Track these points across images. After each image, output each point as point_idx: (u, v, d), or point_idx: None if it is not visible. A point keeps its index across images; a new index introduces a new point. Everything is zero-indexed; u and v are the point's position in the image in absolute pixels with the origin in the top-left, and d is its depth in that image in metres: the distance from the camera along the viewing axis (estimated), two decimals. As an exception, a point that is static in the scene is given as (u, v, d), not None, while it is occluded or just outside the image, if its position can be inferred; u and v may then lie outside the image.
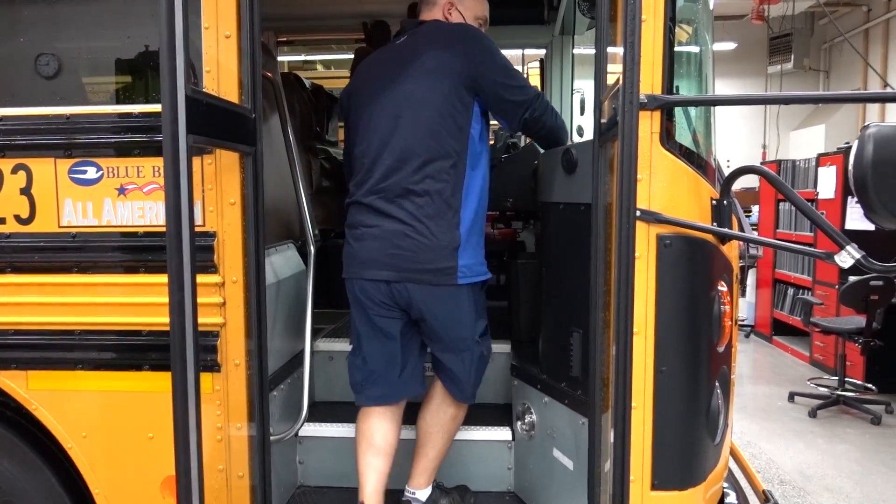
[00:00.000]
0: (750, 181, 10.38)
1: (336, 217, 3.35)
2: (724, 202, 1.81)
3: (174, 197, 1.44)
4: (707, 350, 1.81)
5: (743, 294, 8.45)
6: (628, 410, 1.70)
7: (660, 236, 1.73)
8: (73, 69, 2.17)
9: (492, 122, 2.35)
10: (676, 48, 1.80)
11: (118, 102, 2.22)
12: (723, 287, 1.86)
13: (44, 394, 2.02)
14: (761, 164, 8.57)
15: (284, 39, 4.88)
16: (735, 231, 1.88)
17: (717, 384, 1.85)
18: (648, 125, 1.68)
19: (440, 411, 2.33)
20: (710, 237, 1.78)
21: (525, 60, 4.94)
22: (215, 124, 1.67)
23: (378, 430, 2.30)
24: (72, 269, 1.98)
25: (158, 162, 1.94)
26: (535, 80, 4.79)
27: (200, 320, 1.80)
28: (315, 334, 3.03)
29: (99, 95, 2.29)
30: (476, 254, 2.23)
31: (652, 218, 1.72)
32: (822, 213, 6.36)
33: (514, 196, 2.87)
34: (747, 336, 8.17)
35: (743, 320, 8.32)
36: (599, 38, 1.74)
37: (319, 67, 6.62)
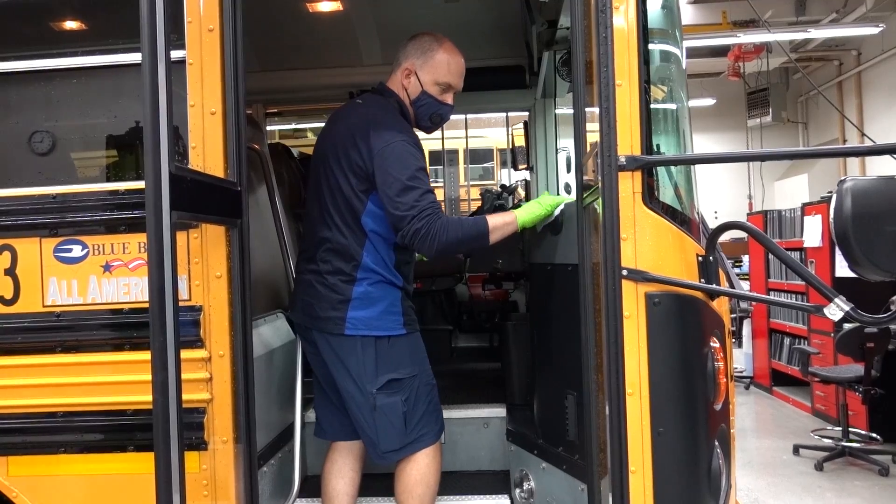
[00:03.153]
0: (739, 231, 10.51)
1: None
2: (710, 258, 1.82)
3: (157, 275, 1.43)
4: (704, 409, 1.78)
5: (739, 345, 8.39)
6: (626, 475, 1.66)
7: (648, 295, 1.72)
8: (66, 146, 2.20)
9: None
10: (654, 107, 1.84)
11: (107, 179, 2.24)
12: (715, 343, 1.84)
13: (25, 480, 1.96)
14: (748, 214, 8.69)
15: (274, 111, 4.97)
16: (723, 287, 1.88)
17: (716, 443, 1.81)
18: (630, 185, 1.70)
19: (402, 476, 2.24)
20: (698, 294, 1.77)
21: (509, 122, 5.04)
22: (200, 199, 1.68)
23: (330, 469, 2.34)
24: (56, 348, 1.96)
25: (144, 238, 1.93)
26: (519, 141, 4.88)
27: (186, 396, 1.76)
28: (307, 404, 2.98)
29: (89, 171, 2.31)
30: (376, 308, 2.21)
31: (639, 277, 1.72)
32: (812, 263, 6.39)
33: (503, 257, 2.88)
34: (747, 388, 8.08)
35: (741, 372, 8.24)
36: (577, 101, 1.78)
37: (310, 135, 6.74)
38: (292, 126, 6.46)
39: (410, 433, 2.20)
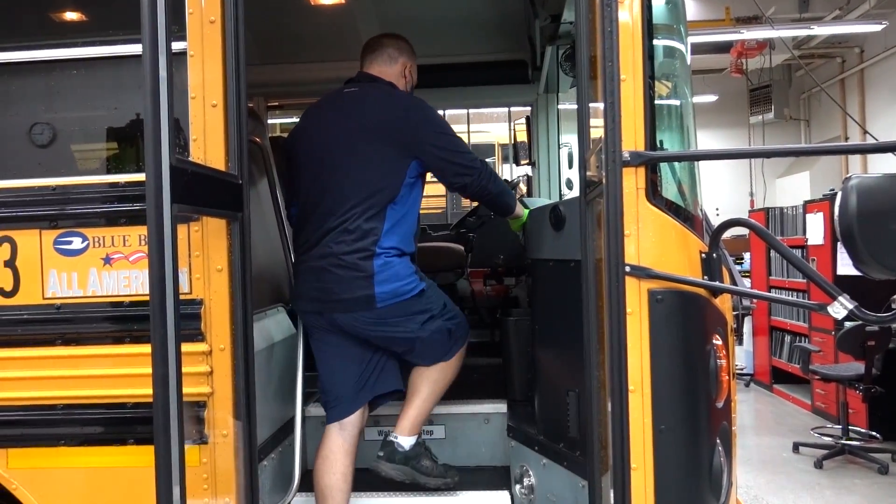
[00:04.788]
0: (740, 228, 10.47)
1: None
2: (714, 255, 1.81)
3: (158, 268, 1.42)
4: (706, 406, 1.77)
5: (740, 342, 8.38)
6: (628, 472, 1.65)
7: (651, 292, 1.72)
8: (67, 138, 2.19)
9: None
10: (658, 103, 1.83)
11: (108, 171, 2.23)
12: (717, 341, 1.83)
13: (24, 472, 1.95)
14: (750, 212, 8.68)
15: (275, 104, 4.96)
16: (726, 284, 1.87)
17: (718, 441, 1.81)
18: (633, 181, 1.69)
19: (426, 369, 2.47)
20: (701, 291, 1.76)
21: (512, 117, 5.03)
22: (201, 192, 1.67)
23: (322, 466, 2.40)
24: (56, 341, 1.95)
25: (145, 230, 1.92)
26: (522, 136, 4.87)
27: (187, 390, 1.76)
28: (308, 398, 2.97)
29: (89, 164, 2.30)
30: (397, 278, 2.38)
31: (642, 273, 1.71)
32: (813, 261, 6.38)
33: (505, 253, 2.88)
34: (747, 385, 8.08)
35: (742, 369, 8.24)
36: (581, 97, 1.77)
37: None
38: (293, 120, 6.44)
39: (455, 341, 2.51)
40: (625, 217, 1.68)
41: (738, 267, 9.15)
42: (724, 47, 10.05)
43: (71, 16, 2.32)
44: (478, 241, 3.10)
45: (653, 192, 1.74)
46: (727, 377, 1.88)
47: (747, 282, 8.45)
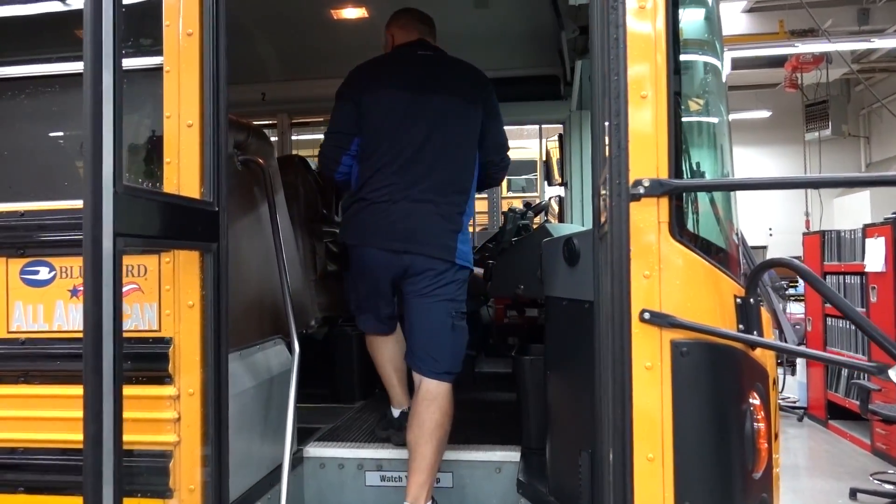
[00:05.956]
0: (793, 247, 9.94)
1: (343, 303, 3.16)
2: (751, 300, 1.54)
3: (94, 311, 1.24)
4: (741, 479, 1.50)
5: (793, 373, 7.89)
6: (643, 560, 1.40)
7: (675, 343, 1.47)
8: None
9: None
10: (686, 120, 1.59)
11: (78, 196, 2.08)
12: (755, 400, 1.56)
13: (-22, 523, 1.80)
14: (804, 234, 8.16)
15: (299, 121, 4.84)
16: (766, 339, 1.59)
17: (754, 520, 1.54)
18: (654, 214, 1.45)
19: (425, 418, 2.38)
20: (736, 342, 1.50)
21: (543, 135, 4.79)
22: (163, 221, 1.50)
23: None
24: (18, 379, 1.80)
25: (115, 260, 1.77)
26: (555, 154, 4.62)
27: (151, 438, 1.59)
28: (308, 436, 2.78)
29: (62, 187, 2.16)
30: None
31: (664, 322, 1.46)
32: (873, 289, 5.92)
33: (525, 283, 2.64)
34: (800, 419, 7.56)
35: (794, 402, 7.73)
36: (595, 115, 1.53)
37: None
38: (317, 136, 6.34)
39: (459, 361, 2.51)
40: (643, 255, 1.44)
41: (791, 291, 8.66)
42: (777, 61, 9.64)
43: (48, 35, 2.20)
44: (497, 269, 2.87)
45: (678, 226, 1.49)
46: (767, 445, 1.60)
47: (800, 308, 7.97)
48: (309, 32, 4.02)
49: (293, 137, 4.79)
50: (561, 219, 4.31)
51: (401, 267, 2.45)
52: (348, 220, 2.58)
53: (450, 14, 3.75)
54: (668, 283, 1.47)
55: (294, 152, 4.53)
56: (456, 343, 2.48)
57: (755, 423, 1.53)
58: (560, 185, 4.37)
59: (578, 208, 4.17)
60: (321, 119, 4.93)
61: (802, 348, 2.20)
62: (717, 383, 1.51)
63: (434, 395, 2.40)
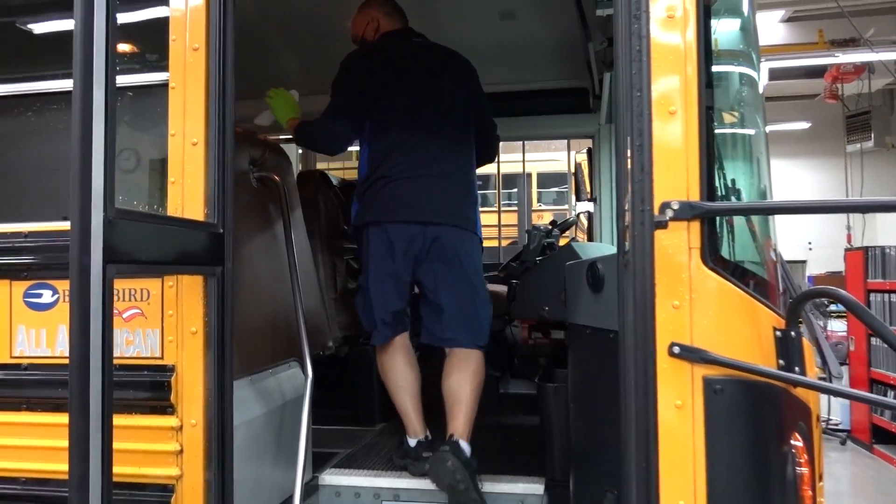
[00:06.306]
0: (834, 262, 9.56)
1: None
2: (792, 333, 1.41)
3: (80, 343, 1.17)
4: (781, 529, 1.37)
5: (835, 394, 7.56)
6: None
7: (707, 380, 1.35)
8: None
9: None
10: (720, 131, 1.47)
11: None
12: (798, 441, 1.43)
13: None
14: (847, 249, 7.85)
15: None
16: (811, 379, 1.45)
17: (797, 576, 1.39)
18: (684, 239, 1.33)
19: (476, 363, 2.54)
20: (775, 379, 1.37)
21: (571, 149, 4.67)
22: (162, 245, 1.43)
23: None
24: (21, 406, 1.74)
25: (119, 284, 1.71)
26: (585, 168, 4.49)
27: (151, 471, 1.51)
28: (325, 461, 2.69)
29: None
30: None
31: (695, 356, 1.34)
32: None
33: (550, 305, 2.52)
34: (843, 443, 7.24)
35: (837, 424, 7.41)
36: (619, 132, 1.42)
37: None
38: (355, 148, 6.29)
39: (487, 332, 2.60)
40: (673, 284, 1.33)
41: (832, 307, 8.32)
42: (817, 72, 9.36)
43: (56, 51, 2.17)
44: (521, 289, 2.76)
45: (710, 251, 1.37)
46: (810, 489, 1.46)
47: (842, 325, 7.65)
48: (333, 46, 3.97)
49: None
50: (590, 236, 4.17)
51: (428, 239, 2.49)
52: (370, 200, 2.56)
53: (476, 26, 3.67)
54: (700, 313, 1.35)
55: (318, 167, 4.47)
56: (484, 313, 2.58)
57: (797, 468, 1.40)
58: (589, 200, 4.23)
59: (608, 225, 4.04)
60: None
61: (855, 391, 2.02)
62: (755, 424, 1.38)
63: (467, 356, 2.53)
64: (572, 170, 4.61)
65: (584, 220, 4.56)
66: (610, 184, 4.02)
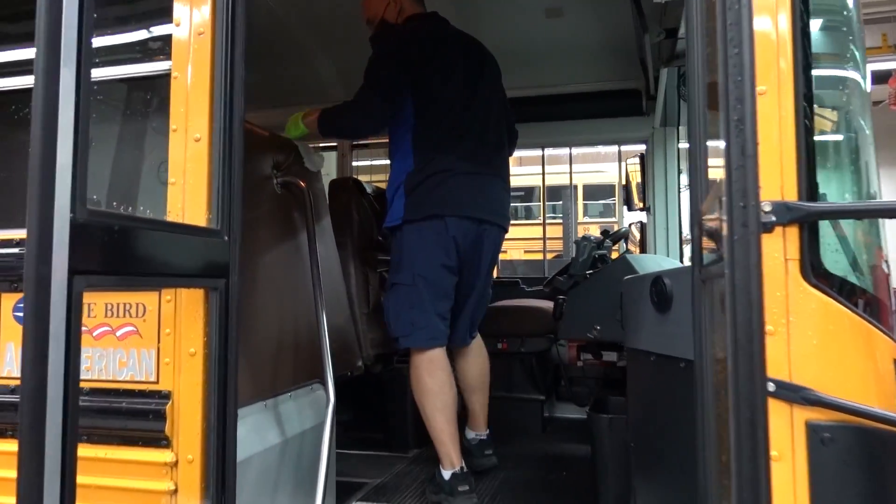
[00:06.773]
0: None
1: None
2: (918, 367, 1.12)
3: (34, 367, 0.96)
4: None
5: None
6: None
7: (812, 426, 1.07)
8: None
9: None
10: (821, 128, 1.20)
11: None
12: (925, 503, 1.13)
13: None
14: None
15: (361, 143, 4.62)
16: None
17: None
18: (780, 249, 1.06)
19: (481, 360, 2.74)
20: (898, 426, 1.08)
21: (622, 157, 4.38)
22: (149, 254, 1.22)
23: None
24: (6, 433, 1.56)
25: (112, 298, 1.52)
26: (635, 177, 4.21)
27: (143, 514, 1.29)
28: (353, 491, 2.46)
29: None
30: None
31: (796, 396, 1.07)
32: None
33: (601, 324, 2.25)
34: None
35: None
36: (695, 129, 1.16)
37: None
38: (384, 161, 6.14)
39: None
40: (766, 306, 1.06)
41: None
42: (881, 77, 8.84)
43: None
44: (569, 306, 2.49)
45: (812, 264, 1.10)
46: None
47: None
48: (370, 52, 3.80)
49: (353, 163, 4.56)
50: (643, 248, 3.87)
51: (475, 237, 2.48)
52: (427, 193, 2.42)
53: (519, 25, 3.45)
54: (801, 342, 1.08)
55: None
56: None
57: (926, 537, 1.11)
58: (641, 210, 3.94)
59: (663, 236, 3.74)
60: (384, 141, 4.71)
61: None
62: (874, 481, 1.09)
63: (479, 344, 2.73)
64: (622, 178, 4.31)
65: (635, 231, 4.27)
66: (665, 192, 3.73)
